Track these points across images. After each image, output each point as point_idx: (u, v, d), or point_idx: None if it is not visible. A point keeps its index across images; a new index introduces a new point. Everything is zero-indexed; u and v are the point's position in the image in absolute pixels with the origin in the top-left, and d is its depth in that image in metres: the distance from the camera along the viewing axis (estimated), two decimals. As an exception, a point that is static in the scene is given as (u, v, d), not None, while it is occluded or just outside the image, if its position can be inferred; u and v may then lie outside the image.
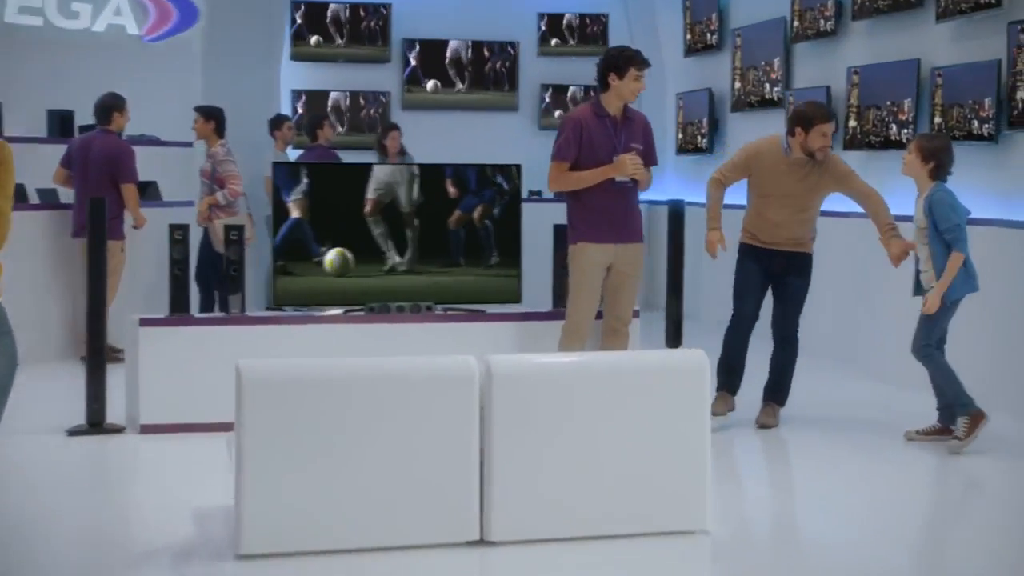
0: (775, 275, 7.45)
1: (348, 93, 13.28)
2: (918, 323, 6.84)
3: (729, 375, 7.48)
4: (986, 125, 7.93)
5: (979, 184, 7.98)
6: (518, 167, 7.86)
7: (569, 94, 13.70)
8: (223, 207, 10.01)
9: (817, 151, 7.20)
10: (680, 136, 12.73)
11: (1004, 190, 7.92)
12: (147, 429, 7.11)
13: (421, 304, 7.49)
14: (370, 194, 7.63)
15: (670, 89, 13.04)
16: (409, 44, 13.38)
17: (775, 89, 10.80)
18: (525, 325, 7.58)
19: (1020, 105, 7.55)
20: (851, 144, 9.49)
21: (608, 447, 5.19)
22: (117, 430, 7.16)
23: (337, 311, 7.51)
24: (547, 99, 13.70)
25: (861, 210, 7.47)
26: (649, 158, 7.21)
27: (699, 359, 5.31)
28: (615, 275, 7.18)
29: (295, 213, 7.54)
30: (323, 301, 7.56)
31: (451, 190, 7.72)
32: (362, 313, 7.46)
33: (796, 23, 10.36)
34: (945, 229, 6.62)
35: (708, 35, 12.10)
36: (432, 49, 13.44)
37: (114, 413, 7.22)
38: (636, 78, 7.02)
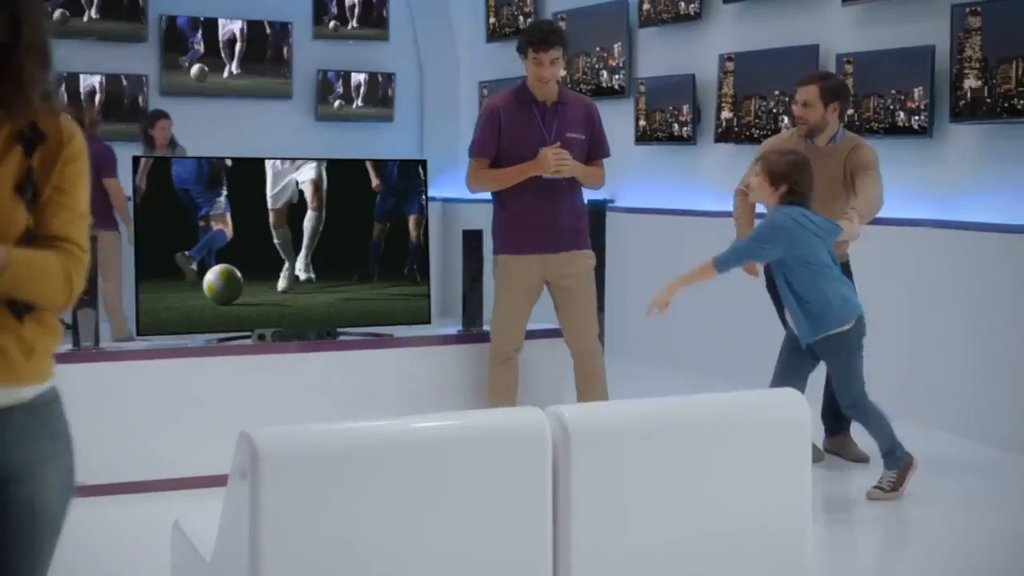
0: None
1: (102, 76, 11.42)
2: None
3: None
4: (916, 117, 7.27)
5: (909, 181, 7.31)
6: (424, 163, 6.61)
7: (353, 82, 12.39)
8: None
9: (797, 122, 6.25)
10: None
11: (941, 187, 7.27)
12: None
13: (321, 330, 6.14)
14: (272, 202, 6.20)
15: (468, 77, 11.96)
16: (169, 21, 11.68)
17: (616, 77, 9.91)
18: (441, 351, 6.36)
19: (968, 95, 6.91)
20: (726, 136, 8.70)
21: (707, 514, 4.09)
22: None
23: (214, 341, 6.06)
24: (339, 88, 12.29)
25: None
26: (597, 149, 6.14)
27: (798, 402, 4.30)
28: (556, 291, 6.08)
29: (216, 226, 6.02)
30: (201, 328, 6.05)
31: (374, 182, 6.37)
32: (249, 342, 6.04)
33: (647, 6, 9.47)
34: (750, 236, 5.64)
35: (521, 18, 11.08)
36: (195, 27, 11.77)
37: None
38: (535, 62, 5.93)
